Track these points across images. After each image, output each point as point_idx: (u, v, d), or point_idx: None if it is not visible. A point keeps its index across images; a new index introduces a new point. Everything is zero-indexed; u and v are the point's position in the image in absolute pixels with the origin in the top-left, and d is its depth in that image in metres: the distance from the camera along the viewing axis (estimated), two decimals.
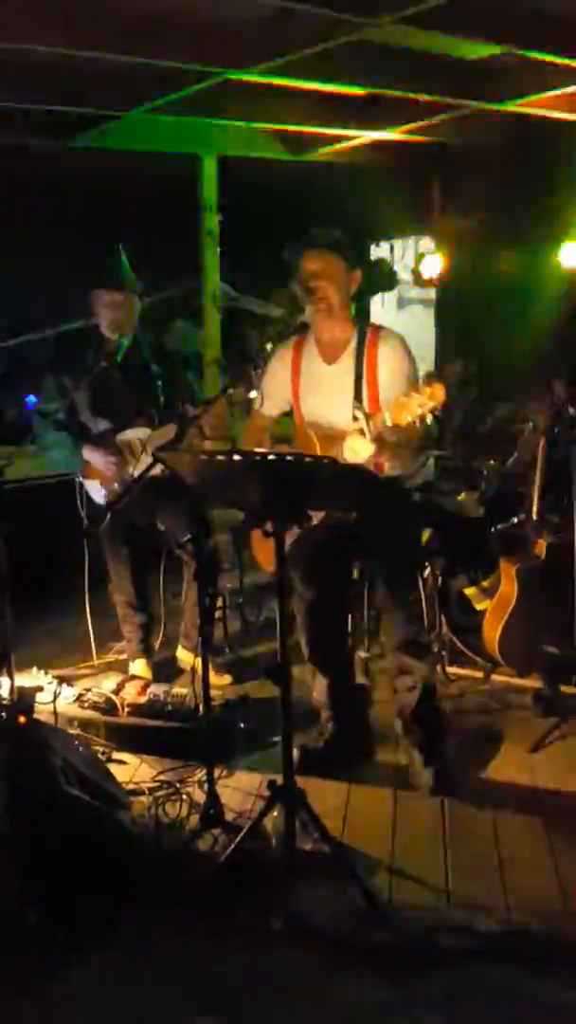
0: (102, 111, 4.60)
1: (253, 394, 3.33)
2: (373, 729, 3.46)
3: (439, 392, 2.77)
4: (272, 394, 3.31)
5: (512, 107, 4.67)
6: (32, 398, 3.68)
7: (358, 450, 2.96)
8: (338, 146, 5.59)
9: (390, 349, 3.08)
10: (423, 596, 3.95)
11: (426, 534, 4.03)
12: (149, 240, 3.98)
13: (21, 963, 2.38)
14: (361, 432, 2.96)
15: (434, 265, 5.68)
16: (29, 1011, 2.25)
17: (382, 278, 3.15)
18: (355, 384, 3.05)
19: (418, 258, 5.75)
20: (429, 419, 2.89)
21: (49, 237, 5.63)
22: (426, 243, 5.80)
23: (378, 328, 3.20)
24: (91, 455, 3.77)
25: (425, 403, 2.78)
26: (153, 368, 3.81)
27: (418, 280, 5.70)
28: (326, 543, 3.15)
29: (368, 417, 2.98)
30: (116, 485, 3.76)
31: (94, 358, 3.78)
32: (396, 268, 4.99)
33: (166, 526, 3.86)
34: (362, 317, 3.21)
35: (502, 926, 2.49)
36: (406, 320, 6.08)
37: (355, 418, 3.02)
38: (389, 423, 2.87)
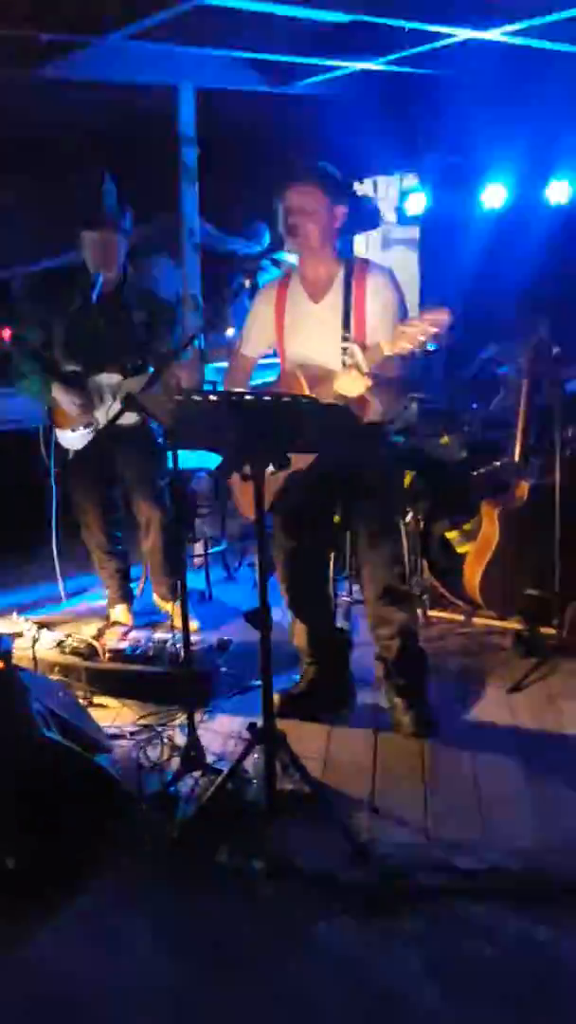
0: (72, 36, 4.40)
1: (229, 332, 3.24)
2: (353, 673, 3.47)
3: (444, 317, 2.68)
4: (255, 335, 3.20)
5: (500, 36, 4.52)
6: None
7: (351, 386, 2.85)
8: (320, 78, 5.41)
9: (378, 282, 2.97)
10: (404, 541, 3.95)
11: (408, 477, 4.00)
12: (124, 175, 3.84)
13: (2, 907, 2.38)
14: (354, 367, 2.87)
15: (418, 203, 5.56)
16: (9, 954, 2.26)
17: (366, 215, 3.02)
18: (343, 320, 2.94)
19: (402, 196, 5.62)
20: (431, 347, 2.78)
21: (16, 172, 5.46)
22: (410, 180, 5.66)
23: (365, 262, 3.09)
24: (60, 395, 3.68)
25: (427, 330, 2.69)
26: (136, 314, 3.70)
27: (402, 218, 5.58)
28: (308, 487, 3.10)
29: (364, 350, 2.89)
30: (82, 428, 3.68)
31: (74, 293, 3.67)
32: (380, 206, 4.85)
33: (134, 474, 3.81)
34: (348, 254, 3.08)
35: (481, 864, 2.51)
36: (390, 261, 5.94)
37: (345, 351, 2.94)
38: (388, 352, 2.79)
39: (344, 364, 2.91)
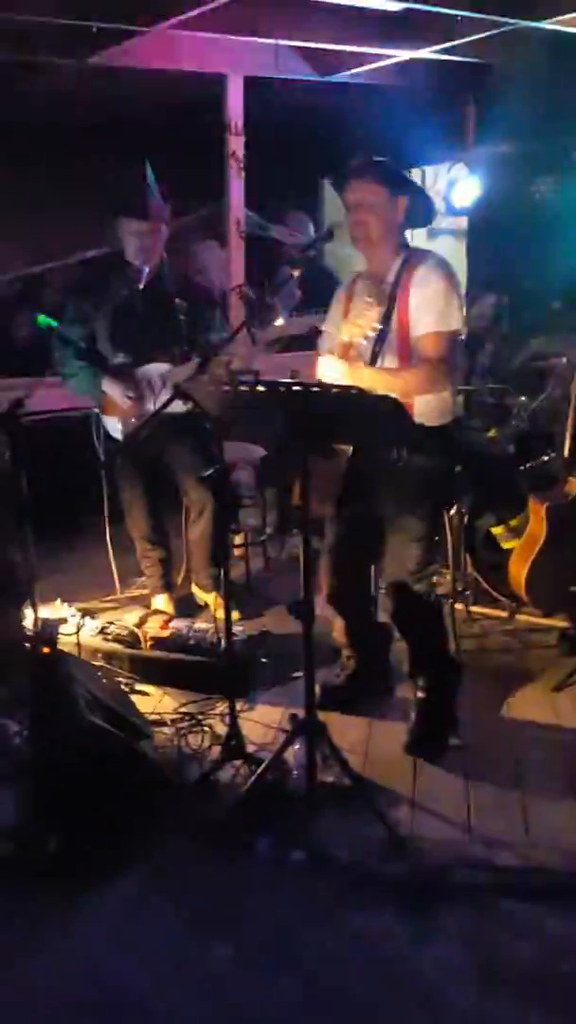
0: (124, 27, 4.40)
1: (278, 322, 3.22)
2: (393, 668, 3.45)
3: (370, 305, 2.74)
4: (330, 331, 3.16)
5: (552, 25, 4.43)
6: (44, 319, 3.52)
7: (328, 370, 2.82)
8: (369, 66, 5.35)
9: (424, 272, 2.90)
10: (449, 538, 3.90)
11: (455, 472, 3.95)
12: (171, 164, 3.83)
13: (43, 890, 2.41)
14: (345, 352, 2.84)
15: (467, 193, 5.48)
16: (51, 937, 2.29)
17: (424, 208, 2.96)
18: (385, 312, 2.89)
19: (450, 185, 5.55)
20: (367, 334, 2.78)
21: (66, 160, 5.48)
22: (459, 169, 5.58)
23: (424, 254, 2.99)
24: (110, 387, 3.69)
25: (364, 315, 2.71)
26: (177, 302, 3.71)
27: (450, 208, 5.51)
28: (356, 481, 3.07)
29: (377, 344, 2.86)
30: (134, 420, 3.70)
31: (116, 286, 3.68)
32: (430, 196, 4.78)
33: (181, 465, 3.82)
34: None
35: (521, 862, 2.50)
36: (437, 251, 5.88)
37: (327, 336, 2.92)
38: (344, 338, 2.78)
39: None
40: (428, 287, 2.87)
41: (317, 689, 3.10)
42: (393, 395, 2.69)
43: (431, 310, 2.86)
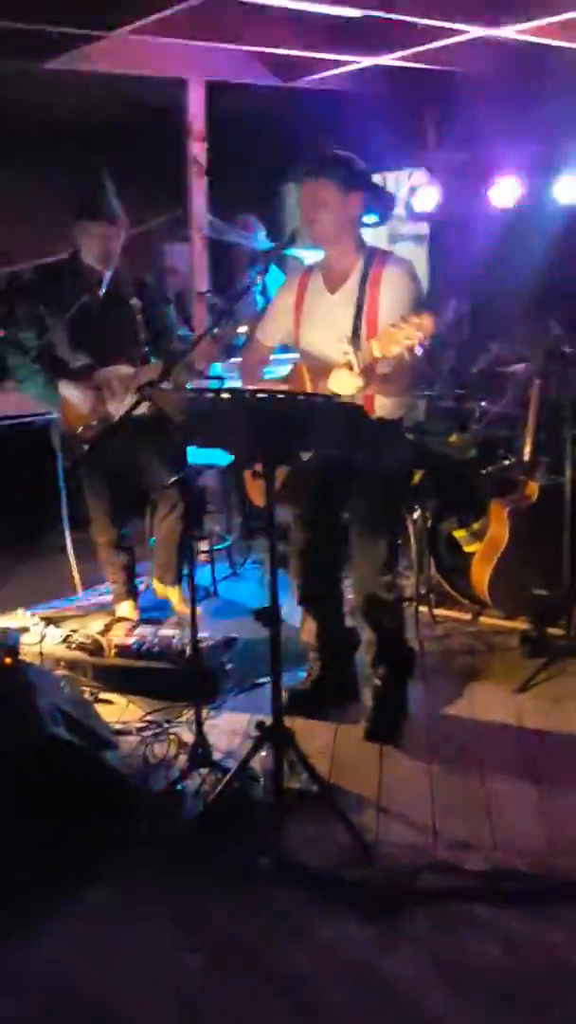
0: (83, 31, 4.38)
1: (241, 329, 3.22)
2: (358, 674, 3.46)
3: (427, 323, 2.64)
4: (271, 323, 3.16)
5: (512, 34, 4.49)
6: None
7: (344, 384, 2.81)
8: (330, 72, 5.38)
9: (394, 274, 2.92)
10: (412, 542, 3.93)
11: (417, 476, 3.99)
12: (131, 169, 3.82)
13: (10, 902, 2.38)
14: (349, 365, 2.85)
15: (428, 199, 5.53)
16: (18, 950, 2.25)
17: (383, 204, 2.98)
18: (355, 313, 2.90)
19: (411, 191, 5.59)
20: (418, 351, 2.74)
21: (25, 165, 5.44)
22: (420, 176, 5.63)
23: (386, 254, 3.03)
24: (68, 390, 3.66)
25: (412, 335, 2.65)
26: (133, 302, 3.70)
27: (411, 214, 5.55)
28: (321, 484, 3.09)
29: (356, 349, 2.86)
30: (94, 422, 3.67)
31: (74, 290, 3.66)
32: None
33: (148, 468, 3.80)
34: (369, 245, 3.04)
35: (488, 865, 2.51)
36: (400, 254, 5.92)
37: (344, 352, 2.91)
38: (377, 354, 2.75)
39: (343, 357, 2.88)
40: (398, 287, 2.89)
41: (283, 695, 3.13)
42: (357, 402, 2.72)
43: (404, 309, 2.87)
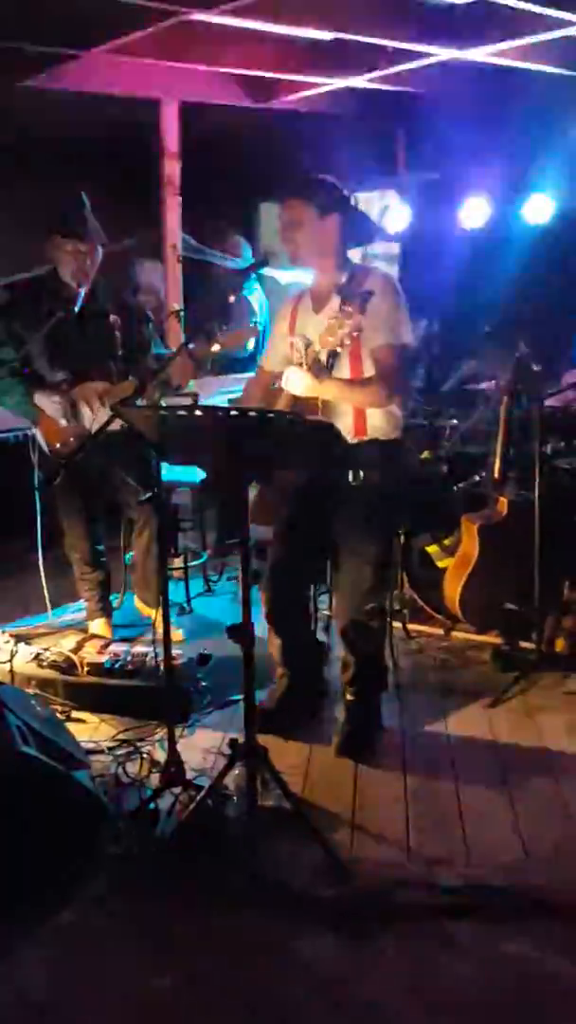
0: (58, 50, 4.40)
1: (215, 348, 3.23)
2: (327, 689, 3.46)
3: (352, 310, 2.72)
4: (272, 348, 3.23)
5: (481, 56, 4.57)
6: None
7: (294, 382, 2.86)
8: (302, 93, 5.44)
9: (372, 288, 2.93)
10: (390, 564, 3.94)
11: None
12: (106, 187, 3.83)
13: None
14: (298, 362, 2.86)
15: (398, 219, 5.60)
16: None
17: (361, 226, 3.02)
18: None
19: (382, 212, 5.66)
20: (346, 342, 2.78)
21: (2, 182, 5.43)
22: (390, 196, 5.70)
23: (367, 270, 3.08)
24: (45, 403, 3.66)
25: (342, 323, 2.72)
26: (112, 319, 3.70)
27: (382, 234, 5.61)
28: (301, 501, 3.10)
29: (307, 346, 2.90)
30: (71, 438, 3.66)
31: (50, 306, 3.66)
32: None
33: (123, 483, 3.79)
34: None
35: (462, 881, 2.52)
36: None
37: (295, 348, 2.95)
38: (317, 347, 2.80)
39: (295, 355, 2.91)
40: (378, 302, 2.91)
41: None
42: (348, 413, 2.74)
43: (384, 324, 2.92)
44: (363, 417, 2.98)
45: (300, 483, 2.94)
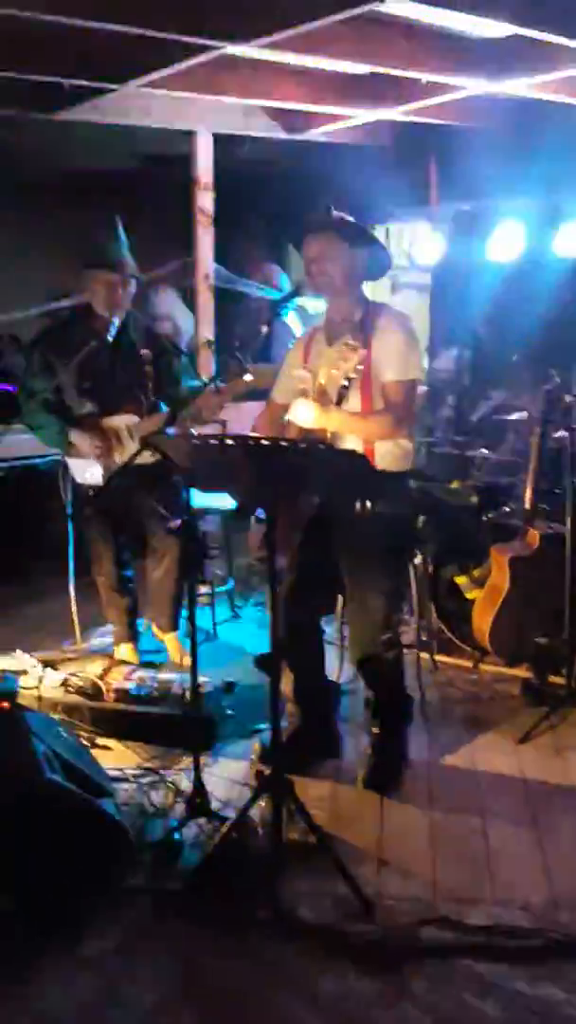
0: (95, 83, 4.49)
1: (247, 378, 3.24)
2: (338, 734, 3.39)
3: (355, 347, 2.76)
4: (283, 381, 3.22)
5: (513, 89, 4.60)
6: None
7: (301, 413, 2.86)
8: (335, 125, 5.50)
9: (387, 325, 2.98)
10: (412, 589, 3.92)
11: (418, 521, 3.99)
12: (140, 218, 3.88)
13: (3, 952, 2.34)
14: (304, 393, 2.87)
15: (430, 249, 5.62)
16: (12, 1000, 2.21)
17: (380, 262, 3.05)
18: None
19: (413, 243, 5.69)
20: (351, 376, 2.80)
21: (34, 213, 5.53)
22: (422, 228, 5.73)
23: (381, 307, 3.11)
24: (78, 439, 3.69)
25: (347, 356, 2.74)
26: (142, 352, 3.73)
27: (413, 264, 5.64)
28: (313, 534, 3.08)
29: (314, 378, 2.91)
30: (101, 471, 3.69)
31: (83, 337, 3.70)
32: (392, 252, 4.94)
33: (151, 511, 3.81)
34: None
35: (488, 920, 2.47)
36: (399, 305, 6.01)
37: (301, 379, 2.96)
38: (322, 380, 2.81)
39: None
40: (389, 338, 2.95)
41: (257, 747, 3.12)
42: (355, 445, 2.74)
43: (393, 360, 2.95)
44: (371, 449, 2.98)
45: (311, 513, 2.94)
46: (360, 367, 2.80)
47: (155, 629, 4.16)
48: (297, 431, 2.96)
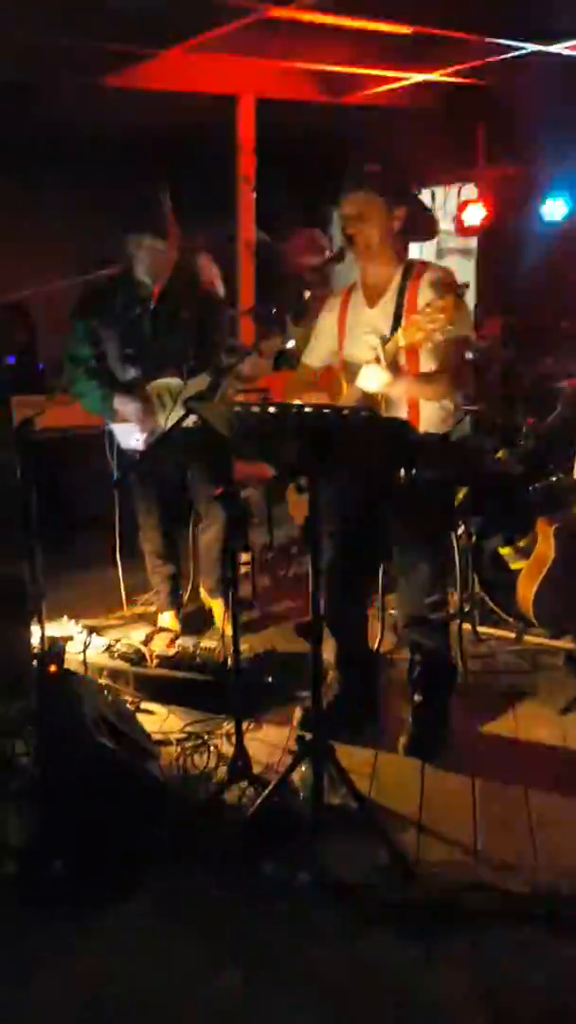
0: (138, 49, 4.46)
1: (290, 344, 3.22)
2: (380, 698, 3.41)
3: (446, 303, 2.64)
4: (317, 344, 3.18)
5: (561, 49, 4.48)
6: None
7: (371, 379, 2.80)
8: (379, 88, 5.41)
9: (430, 282, 2.89)
10: (456, 559, 3.89)
11: (462, 492, 3.95)
12: (182, 183, 3.85)
13: (48, 913, 2.40)
14: (376, 359, 2.81)
15: (477, 214, 5.52)
16: (56, 961, 2.27)
17: (423, 222, 2.98)
18: (393, 324, 2.88)
19: (460, 206, 5.59)
20: (439, 337, 2.67)
21: (78, 178, 5.52)
22: (469, 190, 5.63)
23: (424, 264, 3.01)
24: (122, 405, 3.70)
25: (436, 318, 2.63)
26: (184, 315, 3.73)
27: (460, 229, 5.55)
28: (359, 501, 3.07)
29: (384, 342, 2.83)
30: (146, 435, 3.70)
31: (124, 303, 3.69)
32: (437, 216, 4.86)
33: (196, 478, 3.83)
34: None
35: (530, 886, 2.47)
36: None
37: (372, 347, 2.89)
38: (402, 343, 2.73)
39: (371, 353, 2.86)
40: (431, 296, 2.84)
41: (297, 712, 3.11)
42: (405, 405, 2.69)
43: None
44: (417, 410, 2.94)
45: (355, 481, 2.91)
46: (451, 327, 2.68)
47: (203, 594, 4.19)
48: (355, 396, 2.90)
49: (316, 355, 3.19)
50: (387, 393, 2.87)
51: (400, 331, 2.75)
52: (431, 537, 3.09)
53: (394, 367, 2.82)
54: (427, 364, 2.92)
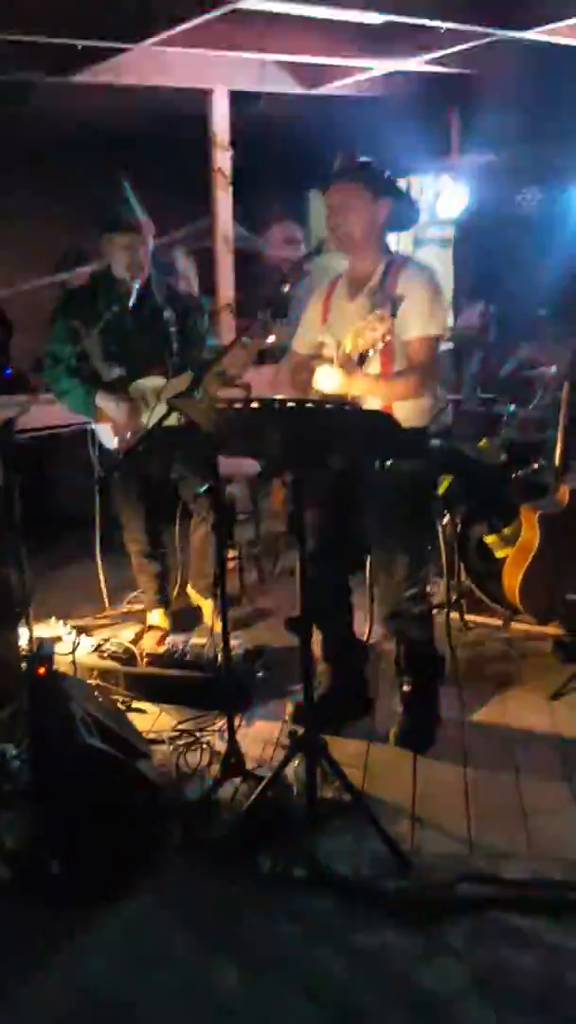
0: (109, 44, 4.42)
1: (270, 339, 3.21)
2: (369, 684, 3.42)
3: (385, 315, 2.65)
4: (304, 332, 3.18)
5: (535, 35, 4.47)
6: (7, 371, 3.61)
7: (325, 380, 2.80)
8: (353, 78, 5.38)
9: (410, 278, 2.90)
10: (442, 547, 3.91)
11: (446, 482, 3.97)
12: (158, 178, 3.83)
13: (45, 914, 2.40)
14: (329, 360, 2.81)
15: (452, 203, 5.52)
16: (53, 961, 2.27)
17: (407, 213, 2.98)
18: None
19: (436, 196, 5.59)
20: (378, 346, 2.68)
21: (51, 176, 5.48)
22: (445, 180, 5.62)
23: (405, 260, 3.02)
24: (105, 403, 3.69)
25: (376, 326, 2.63)
26: (166, 313, 3.71)
27: (436, 218, 5.55)
28: (336, 494, 3.07)
29: (338, 344, 2.84)
30: (129, 434, 3.69)
31: (105, 302, 3.68)
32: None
33: (181, 476, 3.81)
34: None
35: (525, 874, 2.49)
36: (422, 259, 5.93)
37: (324, 346, 2.90)
38: (348, 348, 2.73)
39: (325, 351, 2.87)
40: (412, 293, 2.85)
41: (290, 706, 3.14)
42: (380, 405, 2.70)
43: (417, 315, 2.87)
44: (390, 407, 2.93)
45: (334, 473, 2.91)
46: (388, 338, 2.70)
47: (190, 591, 4.18)
48: (320, 394, 2.92)
49: (303, 342, 3.18)
50: (350, 393, 2.86)
51: (347, 336, 2.75)
52: (408, 531, 3.08)
53: (350, 367, 2.79)
54: (399, 362, 2.93)
